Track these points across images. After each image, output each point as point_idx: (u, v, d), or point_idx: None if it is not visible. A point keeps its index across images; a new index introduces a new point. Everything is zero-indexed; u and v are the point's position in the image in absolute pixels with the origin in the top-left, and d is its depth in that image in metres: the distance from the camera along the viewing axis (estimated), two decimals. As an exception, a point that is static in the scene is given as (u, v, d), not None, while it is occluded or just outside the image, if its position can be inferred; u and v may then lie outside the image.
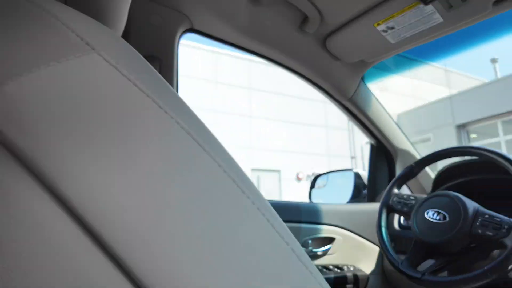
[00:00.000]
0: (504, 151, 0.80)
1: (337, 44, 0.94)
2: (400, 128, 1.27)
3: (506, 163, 0.77)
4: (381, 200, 1.00)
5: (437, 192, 0.86)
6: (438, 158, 0.95)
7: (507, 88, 8.25)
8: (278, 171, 10.12)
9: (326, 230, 1.15)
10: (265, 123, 10.00)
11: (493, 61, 11.89)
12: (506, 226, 0.69)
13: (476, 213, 0.75)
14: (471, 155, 0.88)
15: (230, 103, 9.75)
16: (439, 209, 0.81)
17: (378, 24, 0.83)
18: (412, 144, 1.31)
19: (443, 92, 12.07)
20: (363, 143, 10.53)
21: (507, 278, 0.77)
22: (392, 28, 0.83)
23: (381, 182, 1.35)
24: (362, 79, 1.15)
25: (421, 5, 0.74)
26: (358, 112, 1.17)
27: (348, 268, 1.14)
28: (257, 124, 9.97)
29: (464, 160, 1.03)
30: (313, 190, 1.61)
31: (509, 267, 0.65)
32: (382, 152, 1.32)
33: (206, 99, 9.12)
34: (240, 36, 0.93)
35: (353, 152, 11.12)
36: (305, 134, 10.26)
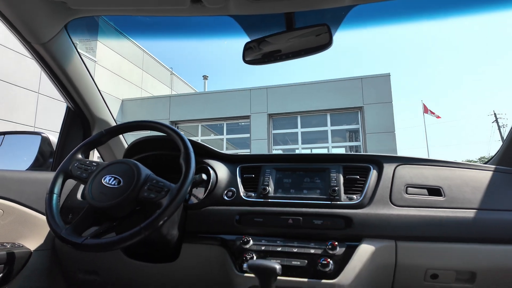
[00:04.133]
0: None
1: None
2: (102, 96, 1.22)
3: (180, 142, 0.90)
4: (60, 165, 0.90)
5: (118, 159, 0.89)
6: (128, 129, 0.99)
7: (209, 101, 10.68)
8: None
9: None
10: None
11: (205, 77, 15.06)
12: (167, 189, 0.81)
13: (147, 178, 0.83)
14: (157, 130, 0.97)
15: None
16: (116, 174, 0.84)
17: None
18: (113, 116, 1.31)
19: (165, 90, 13.64)
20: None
21: (160, 234, 0.91)
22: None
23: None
24: (66, 29, 1.00)
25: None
26: (55, 65, 1.00)
27: (2, 246, 0.93)
28: None
29: (153, 136, 1.15)
30: (-25, 155, 1.20)
31: (160, 223, 0.76)
32: (79, 119, 1.22)
33: None
34: None
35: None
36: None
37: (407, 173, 0.99)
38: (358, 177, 1.00)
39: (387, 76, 9.40)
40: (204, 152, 1.14)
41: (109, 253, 1.03)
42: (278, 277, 0.81)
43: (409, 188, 0.95)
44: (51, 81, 1.06)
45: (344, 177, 1.01)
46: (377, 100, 9.25)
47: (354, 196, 0.96)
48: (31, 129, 7.83)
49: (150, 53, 12.80)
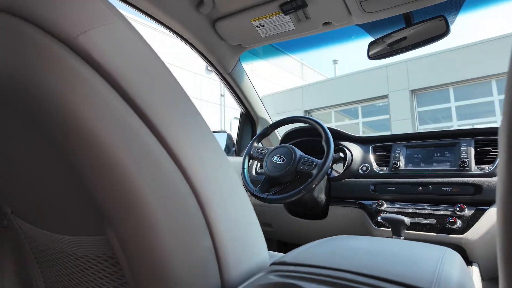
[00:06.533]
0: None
1: (223, 28, 1.23)
2: (261, 101, 1.69)
3: (321, 130, 1.24)
4: (245, 151, 1.38)
5: (280, 145, 1.29)
6: (284, 123, 1.38)
7: (341, 85, 10.61)
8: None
9: None
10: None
11: (334, 62, 14.90)
12: (315, 163, 1.16)
13: (301, 157, 1.20)
14: (303, 123, 1.33)
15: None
16: (280, 154, 1.24)
17: (254, 20, 1.15)
18: (269, 114, 1.76)
19: (297, 82, 14.35)
20: (232, 118, 11.44)
21: (312, 194, 1.26)
22: (263, 25, 1.18)
23: (246, 142, 1.75)
24: (239, 59, 1.47)
25: (282, 14, 1.10)
26: (235, 85, 1.50)
27: None
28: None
29: (300, 126, 1.52)
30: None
31: (313, 186, 1.12)
32: (248, 119, 1.72)
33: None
34: (143, 1, 1.07)
35: (223, 126, 11.92)
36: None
37: None
38: (490, 149, 1.05)
39: None
40: (339, 136, 1.43)
41: (278, 212, 1.46)
42: (410, 231, 1.02)
43: None
44: (233, 96, 1.59)
45: (475, 149, 1.08)
46: None
47: (486, 167, 1.02)
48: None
49: (281, 49, 13.73)
